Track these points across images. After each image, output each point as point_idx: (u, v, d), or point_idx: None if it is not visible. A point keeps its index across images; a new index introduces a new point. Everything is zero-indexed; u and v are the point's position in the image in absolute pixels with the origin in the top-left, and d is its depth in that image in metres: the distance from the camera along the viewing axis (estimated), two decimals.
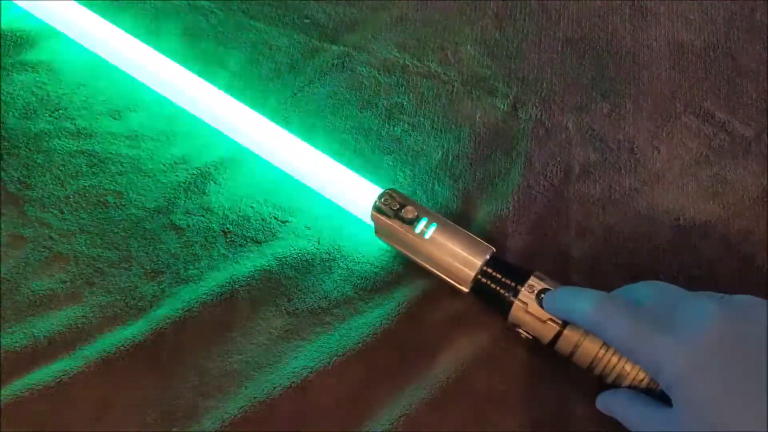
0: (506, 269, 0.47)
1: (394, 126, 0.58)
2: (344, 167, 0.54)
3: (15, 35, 0.64)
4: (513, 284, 0.46)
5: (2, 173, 0.57)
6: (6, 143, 0.58)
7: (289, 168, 0.55)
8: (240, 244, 0.54)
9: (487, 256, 0.47)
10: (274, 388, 0.47)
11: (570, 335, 0.44)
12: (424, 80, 0.60)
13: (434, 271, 0.49)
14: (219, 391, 0.48)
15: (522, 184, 0.54)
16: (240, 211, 0.55)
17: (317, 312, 0.51)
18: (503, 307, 0.46)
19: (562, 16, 0.63)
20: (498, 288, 0.47)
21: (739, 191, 0.54)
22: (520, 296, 0.45)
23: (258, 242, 0.54)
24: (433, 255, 0.48)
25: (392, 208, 0.48)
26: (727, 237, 0.52)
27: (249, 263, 0.53)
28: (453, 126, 0.58)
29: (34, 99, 0.60)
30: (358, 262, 0.53)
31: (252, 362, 0.49)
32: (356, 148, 0.57)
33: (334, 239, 0.54)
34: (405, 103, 0.59)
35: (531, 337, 0.46)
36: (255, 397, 0.47)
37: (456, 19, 0.63)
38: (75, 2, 0.63)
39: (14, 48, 0.63)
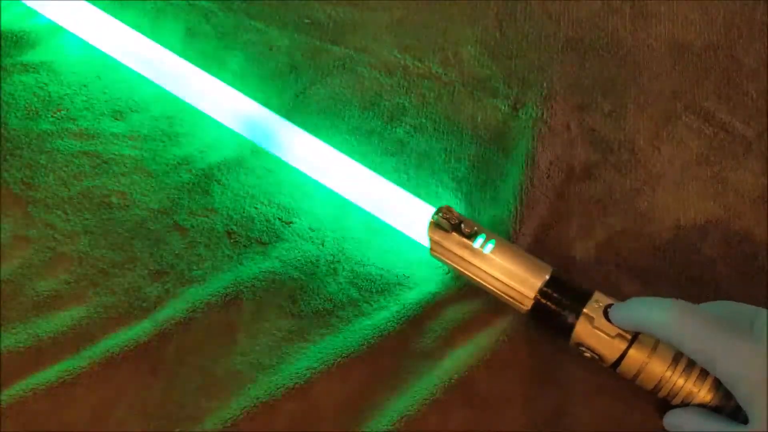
0: (566, 288, 0.46)
1: (396, 128, 0.58)
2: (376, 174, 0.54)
3: (16, 35, 0.64)
4: (575, 303, 0.45)
5: (5, 174, 0.57)
6: (9, 144, 0.58)
7: (307, 167, 0.56)
8: (244, 245, 0.54)
9: (547, 276, 0.46)
10: (277, 389, 0.48)
11: (636, 355, 0.43)
12: (426, 81, 0.60)
13: (492, 288, 0.48)
14: (222, 392, 0.48)
15: (524, 185, 0.54)
16: (244, 212, 0.55)
17: (321, 314, 0.51)
18: (565, 326, 0.45)
19: (562, 17, 0.63)
20: (559, 307, 0.46)
21: (739, 191, 0.54)
22: (586, 310, 0.44)
23: (262, 243, 0.54)
24: (492, 272, 0.47)
25: (452, 222, 0.47)
26: (727, 237, 0.52)
27: (253, 264, 0.53)
28: (455, 127, 0.58)
29: (35, 100, 0.61)
30: (363, 264, 0.53)
31: (256, 363, 0.49)
32: (359, 150, 0.57)
33: (339, 241, 0.54)
34: (407, 105, 0.59)
35: (596, 357, 0.45)
36: (258, 398, 0.47)
37: (457, 20, 0.63)
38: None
39: (15, 48, 0.63)
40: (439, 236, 0.48)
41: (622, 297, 0.45)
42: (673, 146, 0.56)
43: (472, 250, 0.47)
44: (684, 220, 0.53)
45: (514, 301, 0.47)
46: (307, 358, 0.49)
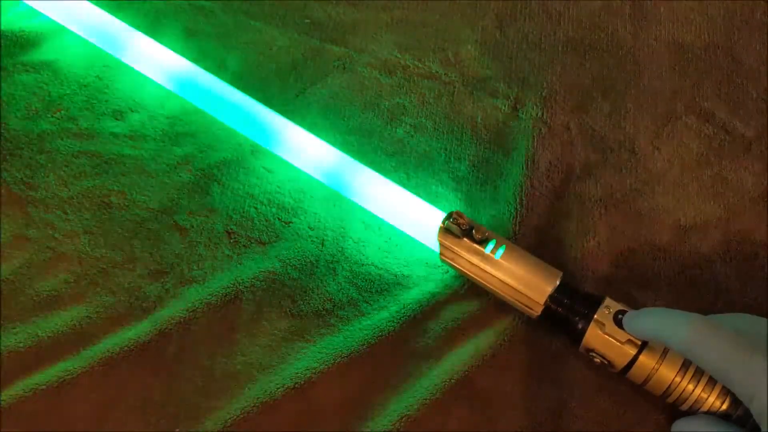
0: (576, 294, 0.46)
1: (396, 128, 0.58)
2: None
3: (16, 35, 0.64)
4: (585, 308, 0.45)
5: (5, 174, 0.57)
6: (9, 144, 0.58)
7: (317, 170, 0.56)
8: (244, 245, 0.54)
9: (558, 281, 0.46)
10: (277, 389, 0.48)
11: (646, 361, 0.43)
12: (426, 81, 0.60)
13: (502, 294, 0.47)
14: (222, 392, 0.48)
15: (524, 185, 0.54)
16: (244, 212, 0.55)
17: (321, 314, 0.51)
18: (575, 331, 0.45)
19: (562, 17, 0.63)
20: (570, 313, 0.46)
21: (739, 191, 0.54)
22: (596, 316, 0.44)
23: (262, 243, 0.54)
24: (503, 278, 0.47)
25: (462, 228, 0.47)
26: (727, 237, 0.52)
27: (253, 264, 0.53)
28: (455, 127, 0.58)
29: (36, 99, 0.61)
30: (362, 264, 0.53)
31: (256, 363, 0.49)
32: (359, 150, 0.57)
33: (338, 240, 0.54)
34: (407, 104, 0.59)
35: (606, 362, 0.44)
36: (258, 398, 0.47)
37: (457, 20, 0.63)
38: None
39: (16, 48, 0.63)
40: (449, 241, 0.48)
41: (622, 298, 0.45)
42: (673, 146, 0.56)
43: (483, 256, 0.47)
44: (684, 220, 0.53)
45: (525, 307, 0.47)
46: (307, 358, 0.49)
